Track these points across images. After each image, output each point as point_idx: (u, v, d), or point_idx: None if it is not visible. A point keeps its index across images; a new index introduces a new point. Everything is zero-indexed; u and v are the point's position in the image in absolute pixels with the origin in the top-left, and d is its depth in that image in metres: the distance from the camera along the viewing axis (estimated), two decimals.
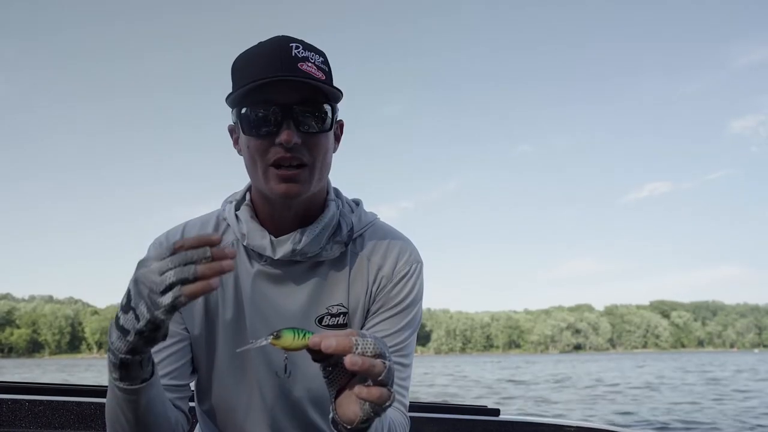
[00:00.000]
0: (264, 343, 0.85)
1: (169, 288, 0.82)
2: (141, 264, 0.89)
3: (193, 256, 0.83)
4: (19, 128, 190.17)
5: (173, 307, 0.83)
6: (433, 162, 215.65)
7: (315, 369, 1.10)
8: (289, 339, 0.84)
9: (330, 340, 0.81)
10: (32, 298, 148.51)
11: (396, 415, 1.14)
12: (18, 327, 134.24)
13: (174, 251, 0.84)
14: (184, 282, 0.82)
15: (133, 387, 0.94)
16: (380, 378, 0.83)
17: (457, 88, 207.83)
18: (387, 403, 0.84)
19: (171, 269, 0.83)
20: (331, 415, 0.92)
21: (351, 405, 0.87)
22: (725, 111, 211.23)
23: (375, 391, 0.83)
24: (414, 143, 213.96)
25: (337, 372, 0.87)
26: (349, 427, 0.89)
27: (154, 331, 0.87)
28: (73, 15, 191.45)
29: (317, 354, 0.85)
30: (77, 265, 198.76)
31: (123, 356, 0.90)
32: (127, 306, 0.87)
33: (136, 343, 0.88)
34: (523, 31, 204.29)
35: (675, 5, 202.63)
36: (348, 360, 0.80)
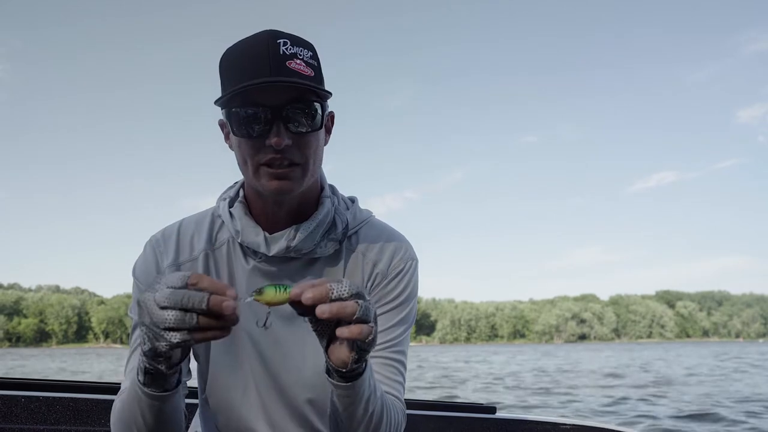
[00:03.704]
0: (248, 299, 0.88)
1: (172, 329, 0.83)
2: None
3: (192, 303, 0.81)
4: (27, 117, 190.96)
5: (178, 345, 0.83)
6: (439, 152, 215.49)
7: (310, 364, 1.17)
8: (270, 293, 0.87)
9: (307, 292, 0.84)
10: (39, 288, 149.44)
11: (392, 399, 1.15)
12: (25, 317, 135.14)
13: (183, 284, 0.83)
14: (184, 329, 0.82)
15: (157, 393, 0.96)
16: (356, 317, 0.86)
17: (462, 78, 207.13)
18: (369, 337, 0.88)
19: (171, 309, 0.82)
20: (324, 367, 0.97)
21: (343, 349, 0.91)
22: (733, 100, 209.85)
23: (355, 328, 0.86)
24: (419, 134, 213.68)
25: (322, 322, 0.90)
26: (344, 370, 0.93)
27: (155, 357, 0.88)
28: (79, 5, 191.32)
29: (300, 307, 0.87)
30: (84, 256, 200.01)
31: (147, 365, 0.92)
32: (138, 320, 0.89)
33: (147, 361, 0.91)
34: (528, 21, 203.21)
35: None
36: (318, 310, 0.84)
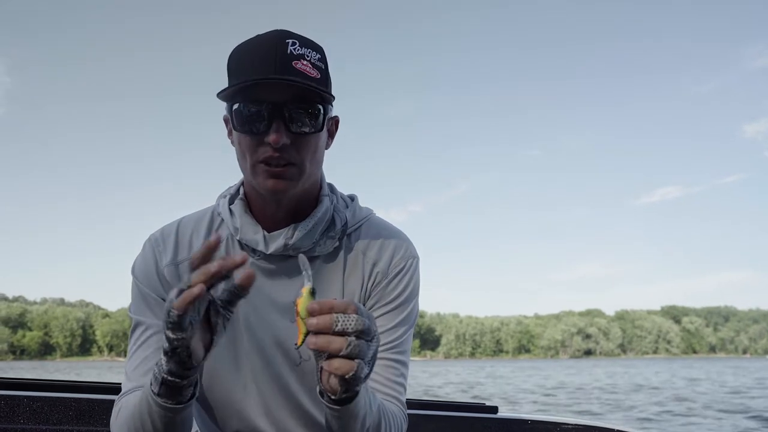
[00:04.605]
0: (308, 284, 0.88)
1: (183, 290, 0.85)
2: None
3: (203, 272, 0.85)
4: (28, 126, 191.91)
5: (176, 322, 0.85)
6: (443, 165, 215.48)
7: (311, 360, 1.16)
8: (306, 301, 0.86)
9: (311, 320, 0.84)
10: (44, 301, 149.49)
11: (391, 406, 1.14)
12: (30, 329, 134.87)
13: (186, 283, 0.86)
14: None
15: (171, 406, 0.95)
16: (342, 353, 0.84)
17: (466, 90, 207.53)
18: (350, 374, 0.85)
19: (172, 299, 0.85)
20: (318, 388, 0.96)
21: (331, 378, 0.90)
22: (738, 114, 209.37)
23: (335, 363, 0.84)
24: (422, 146, 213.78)
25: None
26: (333, 397, 0.92)
27: (173, 351, 0.89)
28: (79, 12, 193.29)
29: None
30: (88, 268, 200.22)
31: (164, 376, 0.92)
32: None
33: (169, 364, 0.92)
34: (532, 31, 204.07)
35: (687, 6, 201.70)
36: (309, 340, 0.84)
